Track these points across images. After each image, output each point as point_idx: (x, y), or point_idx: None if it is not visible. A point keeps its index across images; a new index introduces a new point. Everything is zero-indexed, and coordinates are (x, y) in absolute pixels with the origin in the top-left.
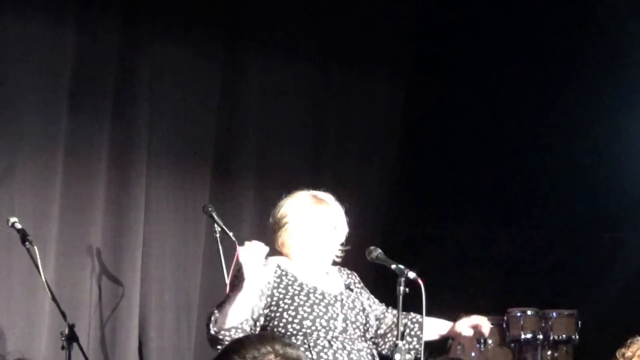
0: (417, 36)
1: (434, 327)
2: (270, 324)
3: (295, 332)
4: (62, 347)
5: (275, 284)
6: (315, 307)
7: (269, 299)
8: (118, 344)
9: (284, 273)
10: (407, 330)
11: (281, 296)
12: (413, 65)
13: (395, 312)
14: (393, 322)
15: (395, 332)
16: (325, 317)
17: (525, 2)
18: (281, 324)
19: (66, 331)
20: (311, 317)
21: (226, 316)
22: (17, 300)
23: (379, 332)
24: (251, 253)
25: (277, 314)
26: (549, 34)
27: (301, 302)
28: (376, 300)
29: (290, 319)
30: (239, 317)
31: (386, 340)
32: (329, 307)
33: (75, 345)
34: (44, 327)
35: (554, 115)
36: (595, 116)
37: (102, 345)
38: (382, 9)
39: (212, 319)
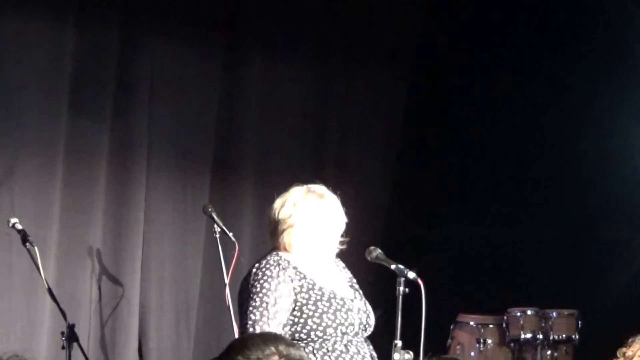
0: (420, 34)
1: None
2: (292, 329)
3: (317, 338)
4: (62, 347)
5: (298, 289)
6: (337, 313)
7: (291, 305)
8: (118, 344)
9: (302, 276)
10: None
11: (304, 301)
12: (415, 63)
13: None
14: None
15: None
16: (346, 323)
17: (528, 0)
18: (304, 330)
19: (66, 331)
20: (334, 324)
21: None
22: (17, 300)
23: None
24: None
25: (302, 320)
26: (551, 32)
27: (325, 309)
28: None
29: (314, 326)
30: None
31: None
32: (349, 313)
33: (75, 345)
34: (44, 327)
35: (555, 115)
36: (596, 116)
37: (102, 345)
38: (384, 6)
39: None
